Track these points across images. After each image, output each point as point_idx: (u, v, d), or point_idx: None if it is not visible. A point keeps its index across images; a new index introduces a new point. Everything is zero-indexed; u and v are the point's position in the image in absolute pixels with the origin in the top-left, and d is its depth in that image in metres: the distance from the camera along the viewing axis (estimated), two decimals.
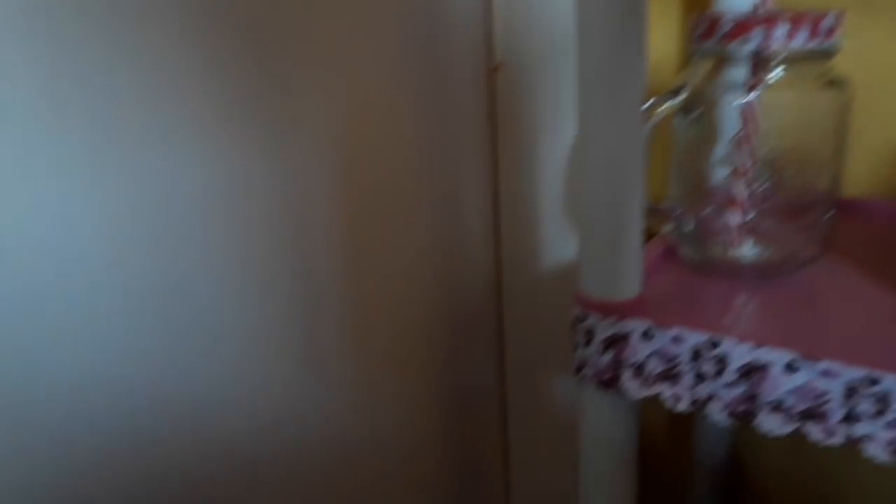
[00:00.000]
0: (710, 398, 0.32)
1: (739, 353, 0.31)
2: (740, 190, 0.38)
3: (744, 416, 0.31)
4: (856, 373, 0.28)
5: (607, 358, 0.34)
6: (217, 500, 0.38)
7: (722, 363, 0.31)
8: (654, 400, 0.35)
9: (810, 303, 0.36)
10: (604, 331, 0.34)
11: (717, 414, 0.32)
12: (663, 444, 0.65)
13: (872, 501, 0.55)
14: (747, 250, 0.39)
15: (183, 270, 0.34)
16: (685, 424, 0.62)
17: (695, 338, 0.32)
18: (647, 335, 0.33)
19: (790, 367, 0.30)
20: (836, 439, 0.29)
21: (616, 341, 0.34)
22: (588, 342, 0.35)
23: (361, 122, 0.42)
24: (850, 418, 0.29)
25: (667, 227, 0.41)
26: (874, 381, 0.28)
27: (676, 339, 0.32)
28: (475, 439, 0.59)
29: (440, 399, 0.54)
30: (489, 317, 0.57)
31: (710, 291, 0.38)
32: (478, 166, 0.53)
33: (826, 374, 0.29)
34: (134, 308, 0.33)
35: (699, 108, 0.38)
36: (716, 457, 0.59)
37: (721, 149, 0.38)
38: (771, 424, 0.30)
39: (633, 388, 0.34)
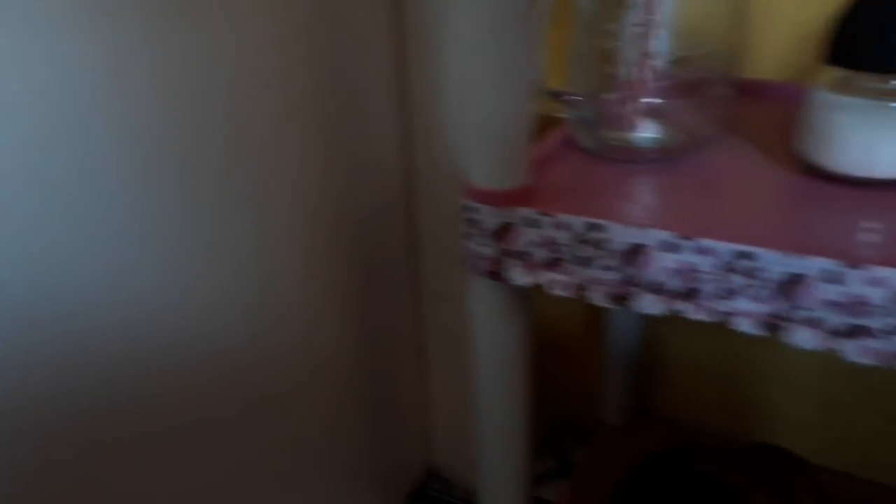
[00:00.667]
0: (592, 283, 0.31)
1: (619, 236, 0.30)
2: (641, 69, 0.36)
3: (624, 298, 0.31)
4: (728, 248, 0.28)
5: (494, 248, 0.33)
6: (131, 402, 0.38)
7: (602, 247, 0.31)
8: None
9: (704, 185, 0.35)
10: (489, 221, 0.33)
11: (599, 298, 0.31)
12: (577, 339, 0.66)
13: (786, 390, 0.57)
14: (645, 133, 0.37)
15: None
16: (598, 318, 0.63)
17: (577, 223, 0.31)
18: (531, 223, 0.32)
19: (668, 247, 0.29)
20: (705, 315, 0.29)
21: (501, 231, 0.33)
22: (475, 233, 0.34)
23: (262, 19, 0.39)
24: (722, 295, 0.28)
25: (567, 113, 0.39)
26: (746, 256, 0.28)
27: (559, 225, 0.31)
28: (390, 345, 0.59)
29: (352, 305, 0.53)
30: (400, 221, 0.56)
31: (606, 178, 0.37)
32: (384, 61, 0.50)
33: (700, 251, 0.28)
34: (72, 206, 0.32)
35: None
36: (628, 350, 0.60)
37: (623, 26, 0.36)
38: (648, 305, 0.30)
39: (518, 276, 0.33)
